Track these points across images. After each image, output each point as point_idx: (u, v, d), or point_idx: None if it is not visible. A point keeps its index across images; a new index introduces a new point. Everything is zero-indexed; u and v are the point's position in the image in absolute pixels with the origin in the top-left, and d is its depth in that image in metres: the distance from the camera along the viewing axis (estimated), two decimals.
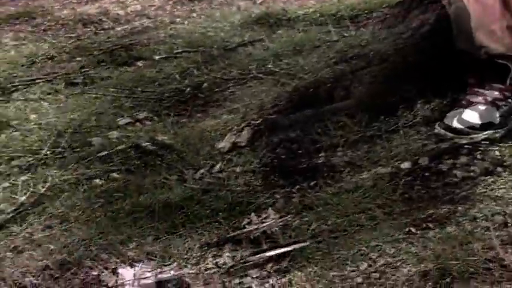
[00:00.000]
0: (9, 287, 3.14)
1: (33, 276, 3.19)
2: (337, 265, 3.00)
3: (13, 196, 3.81)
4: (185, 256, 3.20)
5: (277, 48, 5.20)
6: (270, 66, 4.92)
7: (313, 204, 3.41)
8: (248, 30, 5.76)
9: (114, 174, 3.91)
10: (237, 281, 3.03)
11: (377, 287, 2.85)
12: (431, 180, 3.42)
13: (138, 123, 4.46)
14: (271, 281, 3.00)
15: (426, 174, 3.47)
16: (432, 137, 3.69)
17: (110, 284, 3.10)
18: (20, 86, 5.14)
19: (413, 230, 3.11)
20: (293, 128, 3.99)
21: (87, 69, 5.34)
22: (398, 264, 2.94)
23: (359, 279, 2.90)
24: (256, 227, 3.30)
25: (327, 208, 3.37)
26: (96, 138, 4.27)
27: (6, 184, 3.91)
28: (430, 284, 2.83)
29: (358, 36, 4.99)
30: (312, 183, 3.58)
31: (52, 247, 3.37)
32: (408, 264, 2.93)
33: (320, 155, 3.78)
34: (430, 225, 3.13)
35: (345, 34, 5.27)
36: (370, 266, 2.97)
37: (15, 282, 3.17)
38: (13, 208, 3.69)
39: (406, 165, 3.53)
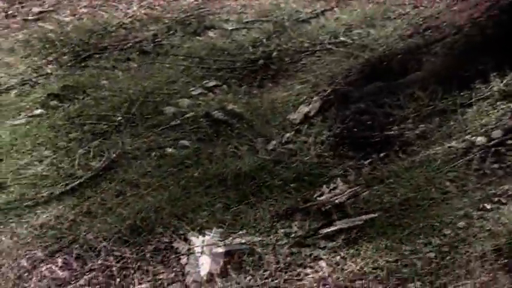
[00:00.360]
0: (83, 250, 3.21)
1: (106, 240, 3.25)
2: (408, 238, 2.98)
3: (87, 162, 3.88)
4: (255, 225, 3.21)
5: (349, 20, 5.15)
6: (341, 37, 4.87)
7: (383, 177, 3.39)
8: (320, 0, 5.71)
9: (185, 143, 3.95)
10: (306, 251, 3.04)
11: (449, 261, 2.82)
12: (505, 156, 3.36)
13: (209, 93, 4.47)
14: (340, 252, 2.99)
15: (501, 149, 3.40)
16: (508, 112, 3.61)
17: (180, 251, 3.14)
18: (93, 54, 5.21)
19: (486, 205, 3.07)
20: (364, 99, 3.96)
21: (159, 39, 5.38)
22: (471, 239, 2.90)
23: (431, 254, 2.87)
24: (326, 198, 3.30)
25: (398, 181, 3.34)
26: (167, 107, 4.31)
27: (81, 150, 3.98)
28: (502, 259, 2.79)
29: (432, 8, 4.91)
30: (382, 156, 3.55)
31: (124, 213, 3.42)
32: (481, 240, 2.89)
33: (392, 127, 3.74)
34: (504, 200, 3.09)
35: (419, 5, 5.17)
36: (441, 240, 2.94)
37: (89, 245, 3.23)
38: (87, 173, 3.76)
39: (480, 139, 3.47)
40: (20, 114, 4.48)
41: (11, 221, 3.50)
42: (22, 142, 4.13)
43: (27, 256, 3.22)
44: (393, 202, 3.20)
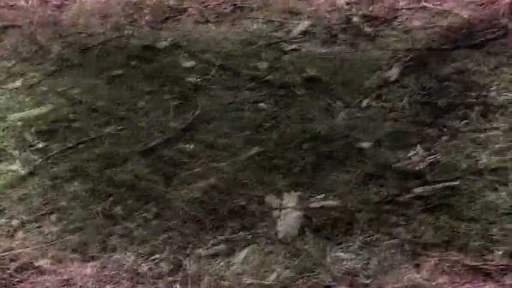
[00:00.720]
0: (160, 208, 3.25)
1: (183, 201, 3.28)
2: (487, 208, 2.93)
3: (165, 123, 3.90)
4: (332, 190, 3.20)
5: None
6: (423, 2, 4.79)
7: (464, 144, 3.33)
8: None
9: (262, 105, 3.95)
10: (384, 217, 3.02)
11: None
12: None
13: (287, 56, 4.46)
14: (418, 219, 2.96)
15: None
16: None
17: (257, 213, 3.15)
18: (172, 16, 5.23)
19: None
20: (445, 65, 3.90)
21: (238, 1, 5.36)
22: None
23: (510, 226, 2.83)
24: (403, 164, 3.27)
25: (478, 148, 3.29)
26: (245, 70, 4.31)
27: (159, 111, 4.01)
28: None
29: None
30: (463, 123, 3.49)
31: (201, 172, 3.45)
32: None
33: (473, 93, 3.67)
34: None
35: None
36: None
37: (167, 205, 3.26)
38: (164, 133, 3.79)
39: None
40: (100, 74, 4.53)
41: (91, 178, 3.56)
42: (102, 102, 4.18)
43: (106, 213, 3.27)
44: (473, 170, 3.15)
